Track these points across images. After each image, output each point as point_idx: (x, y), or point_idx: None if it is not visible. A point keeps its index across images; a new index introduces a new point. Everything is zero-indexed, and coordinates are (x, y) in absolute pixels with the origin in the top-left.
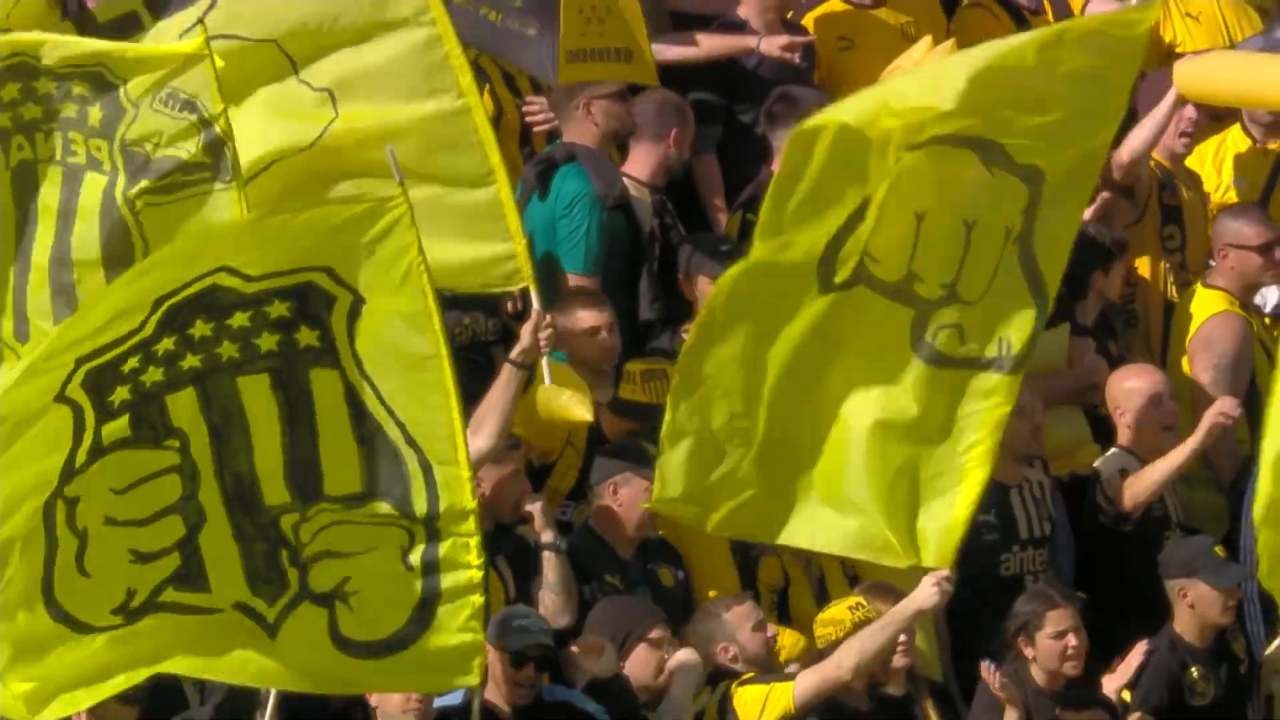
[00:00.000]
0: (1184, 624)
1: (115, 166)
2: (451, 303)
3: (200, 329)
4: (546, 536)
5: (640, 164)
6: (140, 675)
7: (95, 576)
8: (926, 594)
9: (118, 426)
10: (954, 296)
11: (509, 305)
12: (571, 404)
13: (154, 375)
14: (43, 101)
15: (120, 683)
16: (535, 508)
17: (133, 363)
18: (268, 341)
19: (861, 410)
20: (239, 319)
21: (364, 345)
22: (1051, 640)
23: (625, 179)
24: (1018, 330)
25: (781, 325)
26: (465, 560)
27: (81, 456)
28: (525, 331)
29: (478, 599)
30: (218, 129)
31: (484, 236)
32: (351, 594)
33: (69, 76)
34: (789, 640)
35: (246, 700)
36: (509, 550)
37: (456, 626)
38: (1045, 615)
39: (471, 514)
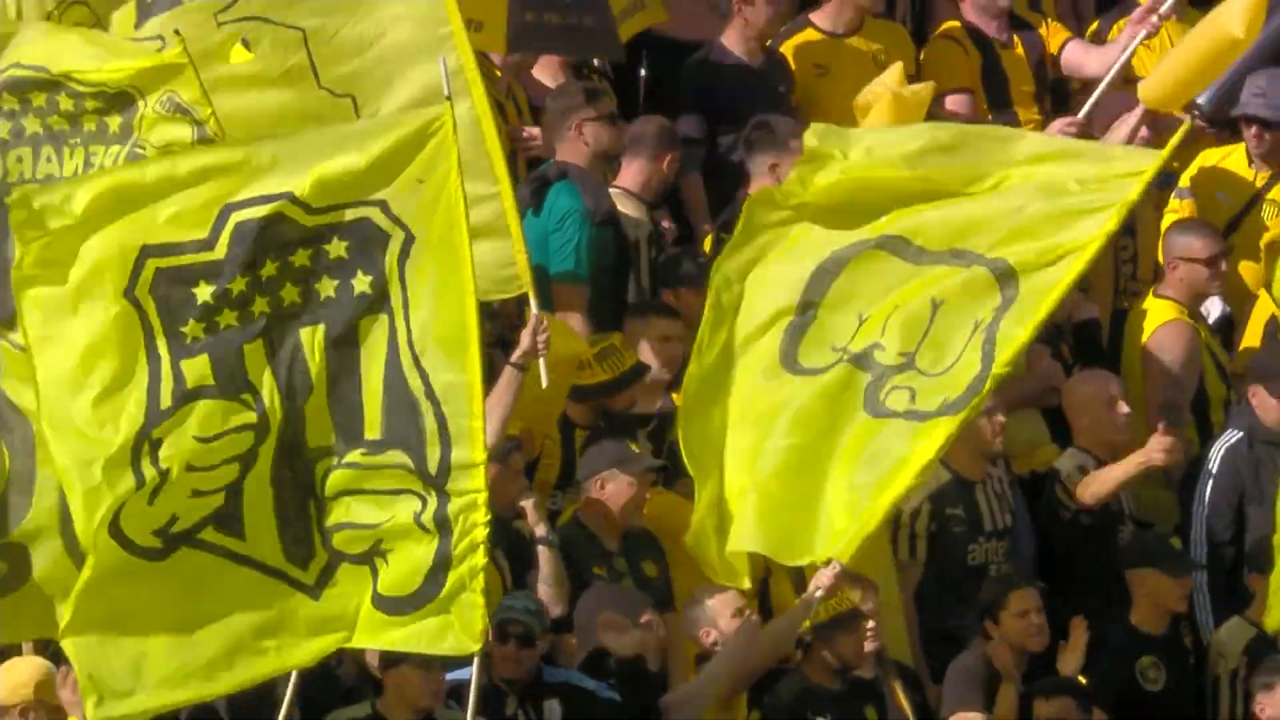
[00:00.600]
0: (1141, 612)
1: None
2: None
3: (269, 268)
4: (540, 531)
5: (633, 179)
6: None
7: (157, 506)
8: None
9: (199, 368)
10: (911, 364)
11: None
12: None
13: (229, 319)
14: (66, 117)
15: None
16: (528, 504)
17: (205, 293)
18: (326, 287)
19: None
20: (301, 257)
21: (413, 286)
22: (1016, 618)
23: (617, 191)
24: (959, 385)
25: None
26: (474, 519)
27: (166, 398)
28: (525, 334)
29: (480, 560)
30: (209, 130)
31: (490, 248)
32: (387, 551)
33: (85, 95)
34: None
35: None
36: (506, 543)
37: (465, 587)
38: (1009, 596)
39: (481, 466)
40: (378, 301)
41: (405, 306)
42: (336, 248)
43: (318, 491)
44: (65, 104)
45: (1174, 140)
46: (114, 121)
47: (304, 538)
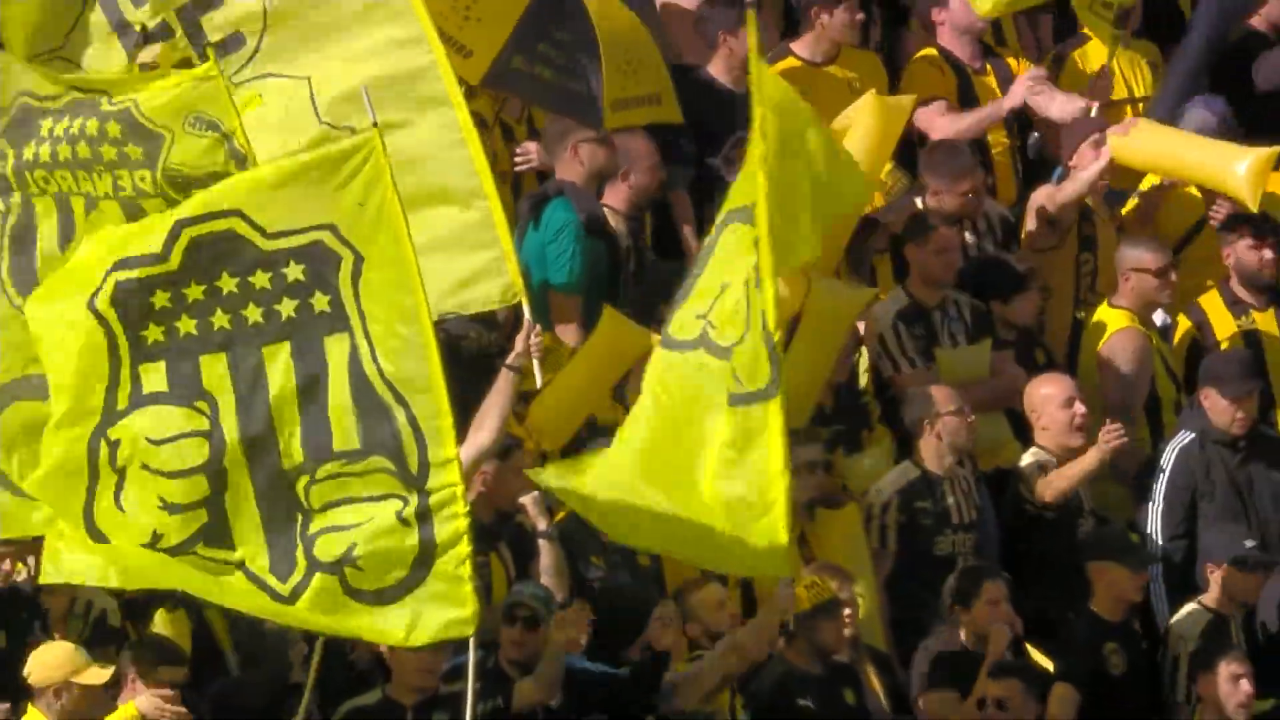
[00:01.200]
0: (1101, 601)
1: (161, 190)
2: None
3: (227, 283)
4: (541, 525)
5: (620, 197)
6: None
7: (129, 513)
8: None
9: (155, 372)
10: (732, 348)
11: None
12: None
13: (187, 325)
14: (91, 143)
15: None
16: (529, 500)
17: (163, 299)
18: (287, 308)
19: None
20: (260, 279)
21: (367, 303)
22: (987, 606)
23: (605, 207)
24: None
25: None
26: (454, 510)
27: (123, 400)
28: (519, 339)
29: (465, 548)
30: (237, 143)
31: (481, 259)
32: (359, 558)
33: (108, 118)
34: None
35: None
36: (509, 536)
37: (452, 572)
38: (982, 585)
39: (454, 461)
40: (338, 320)
41: (363, 321)
42: (294, 270)
43: (305, 506)
44: (91, 128)
45: None
46: (135, 151)
47: (289, 551)
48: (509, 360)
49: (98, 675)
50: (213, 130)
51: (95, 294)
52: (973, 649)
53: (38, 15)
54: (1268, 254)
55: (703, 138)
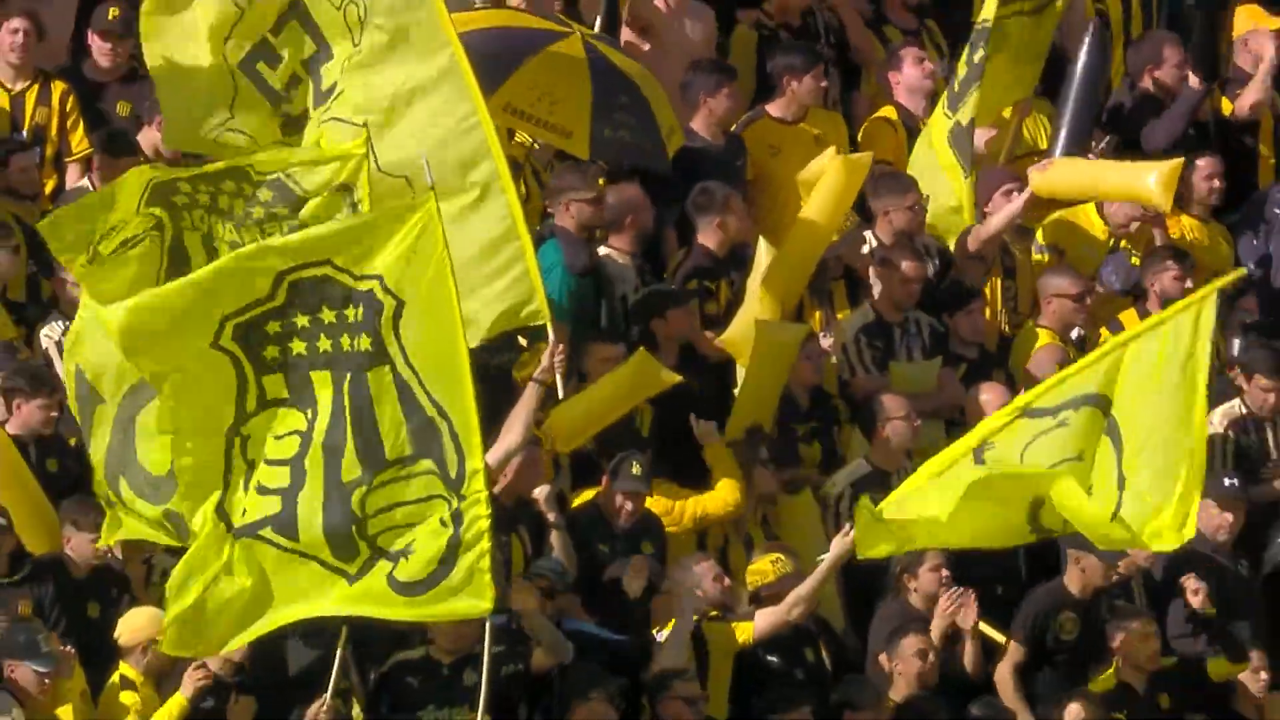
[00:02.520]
0: (1072, 580)
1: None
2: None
3: (327, 314)
4: (551, 516)
5: (623, 240)
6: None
7: (246, 492)
8: (843, 546)
9: (276, 382)
10: None
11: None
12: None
13: (298, 346)
14: (244, 199)
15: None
16: (540, 493)
17: (275, 326)
18: (364, 342)
19: None
20: (352, 313)
21: (406, 340)
22: (930, 573)
23: (610, 250)
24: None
25: None
26: (478, 513)
27: (251, 403)
28: (545, 356)
29: (486, 544)
30: (357, 197)
31: (510, 287)
32: (411, 553)
33: (260, 183)
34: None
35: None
36: (527, 520)
37: (473, 565)
38: (925, 555)
39: (481, 471)
40: (378, 356)
41: (404, 354)
42: (355, 312)
43: (359, 514)
44: (247, 190)
45: None
46: (282, 210)
47: (349, 545)
48: (535, 374)
49: None
50: (347, 194)
51: (217, 338)
52: (922, 609)
53: (199, 95)
54: (1189, 283)
55: (687, 182)
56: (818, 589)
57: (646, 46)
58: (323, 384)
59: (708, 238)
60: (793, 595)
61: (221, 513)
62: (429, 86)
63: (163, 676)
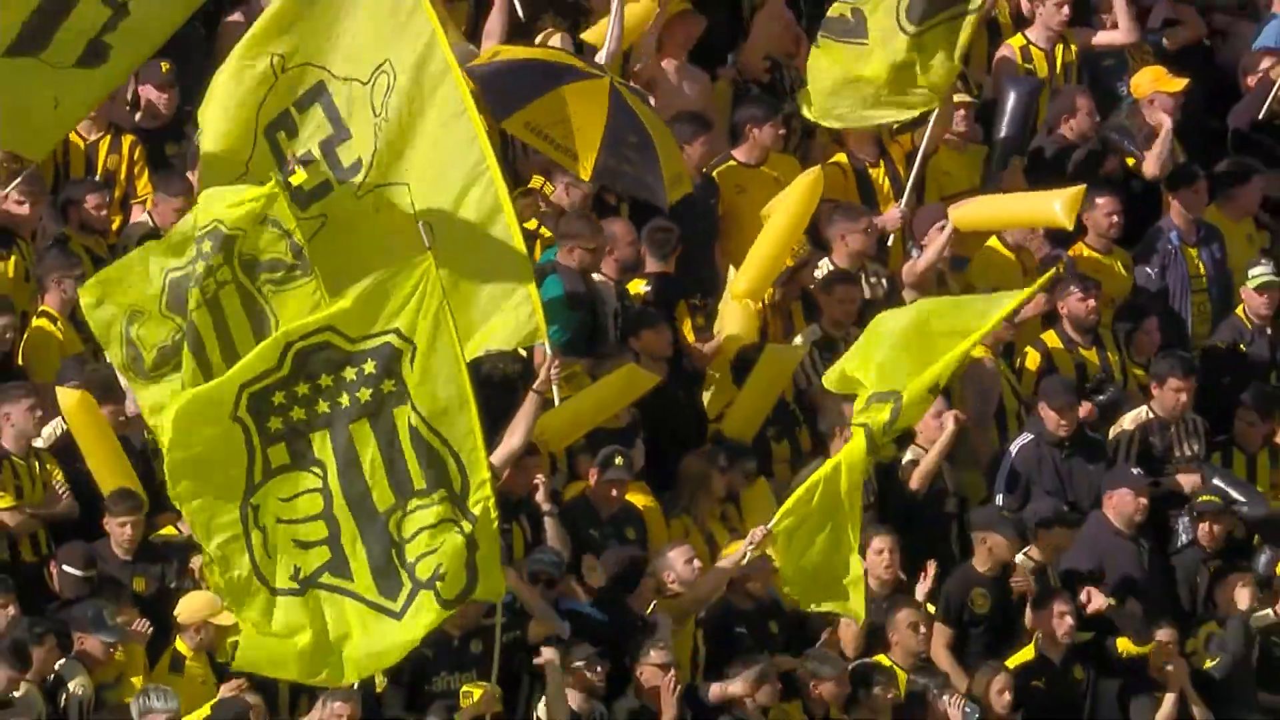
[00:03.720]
0: (981, 560)
1: (235, 275)
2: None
3: (325, 380)
4: (545, 507)
5: (610, 268)
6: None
7: (274, 557)
8: (741, 552)
9: (279, 452)
10: None
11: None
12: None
13: (299, 413)
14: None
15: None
16: (539, 482)
17: (280, 398)
18: (364, 395)
19: None
20: (349, 373)
21: (420, 378)
22: (875, 554)
23: (599, 276)
24: None
25: None
26: (490, 517)
27: (258, 474)
28: (542, 370)
29: (496, 542)
30: (295, 239)
31: (514, 309)
32: (446, 575)
33: (201, 239)
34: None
35: None
36: (526, 511)
37: (487, 562)
38: (871, 539)
39: (488, 481)
40: (399, 396)
41: (421, 384)
42: (369, 366)
43: (396, 539)
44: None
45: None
46: (215, 257)
47: (393, 576)
48: (535, 386)
49: (229, 618)
50: (275, 228)
51: (235, 407)
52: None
53: (230, 149)
54: (1091, 303)
55: (669, 218)
56: (727, 574)
57: (651, 101)
58: (321, 443)
59: (652, 266)
60: (709, 577)
61: (261, 577)
62: (449, 145)
63: (214, 652)
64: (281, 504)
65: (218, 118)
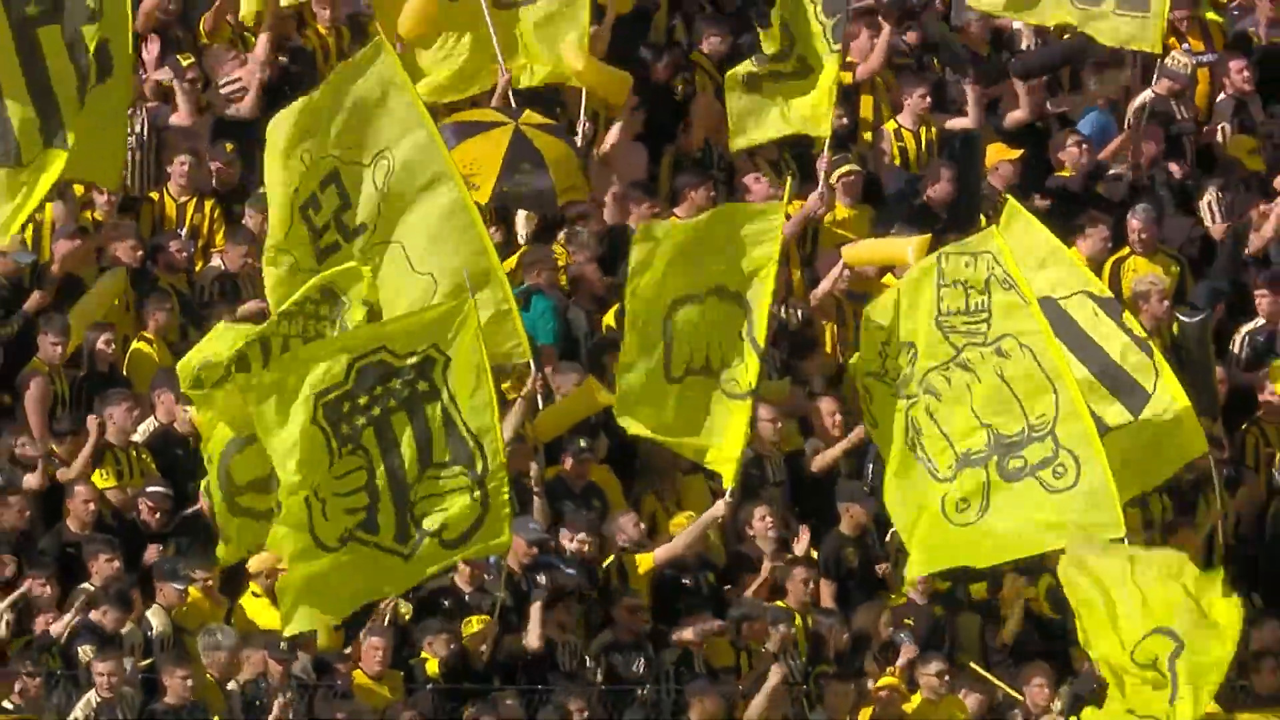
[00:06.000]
0: (845, 525)
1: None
2: None
3: (377, 390)
4: (535, 487)
5: (584, 297)
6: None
7: (329, 521)
8: (717, 509)
9: (346, 448)
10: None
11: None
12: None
13: (358, 420)
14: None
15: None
16: (532, 467)
17: (346, 407)
18: (404, 392)
19: None
20: (395, 384)
21: (454, 384)
22: (759, 520)
23: (576, 301)
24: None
25: None
26: (503, 489)
27: (335, 466)
28: (529, 382)
29: (505, 505)
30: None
31: (498, 328)
32: (447, 526)
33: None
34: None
35: None
36: (515, 489)
37: (495, 519)
38: (753, 510)
39: (503, 459)
40: (432, 395)
41: (450, 392)
42: (410, 372)
43: (413, 499)
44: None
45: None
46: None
47: (406, 529)
48: (523, 394)
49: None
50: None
51: (314, 414)
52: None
53: (273, 222)
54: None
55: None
56: (699, 535)
57: (592, 183)
58: (369, 434)
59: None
60: (680, 538)
61: (317, 539)
62: (440, 207)
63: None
64: (336, 481)
65: (270, 199)
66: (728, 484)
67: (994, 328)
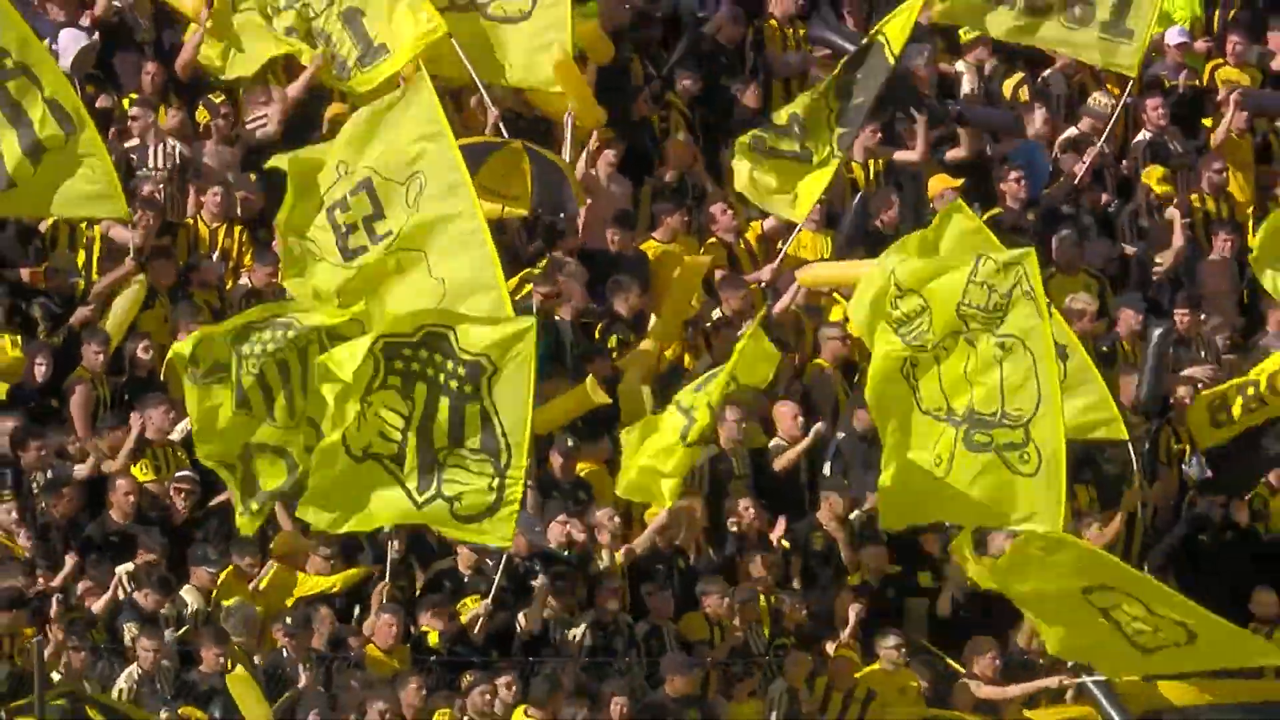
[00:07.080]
0: (823, 514)
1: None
2: None
3: (437, 357)
4: (529, 483)
5: (568, 312)
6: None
7: (361, 434)
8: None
9: (395, 379)
10: None
11: None
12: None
13: (416, 366)
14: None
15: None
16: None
17: (407, 351)
18: (452, 385)
19: None
20: (449, 364)
21: (496, 395)
22: (742, 511)
23: (561, 317)
24: None
25: None
26: (517, 492)
27: (377, 384)
28: None
29: (515, 511)
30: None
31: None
32: (463, 496)
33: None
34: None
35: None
36: None
37: (505, 517)
38: (739, 502)
39: (524, 465)
40: (474, 398)
41: (491, 397)
42: (461, 370)
43: (440, 462)
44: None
45: None
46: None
47: (427, 479)
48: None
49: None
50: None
51: (373, 347)
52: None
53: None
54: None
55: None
56: (669, 525)
57: (589, 200)
58: (421, 391)
59: (620, 307)
60: (652, 527)
61: (346, 447)
62: (460, 226)
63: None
64: (385, 408)
65: (297, 189)
66: (665, 504)
67: (1005, 325)
